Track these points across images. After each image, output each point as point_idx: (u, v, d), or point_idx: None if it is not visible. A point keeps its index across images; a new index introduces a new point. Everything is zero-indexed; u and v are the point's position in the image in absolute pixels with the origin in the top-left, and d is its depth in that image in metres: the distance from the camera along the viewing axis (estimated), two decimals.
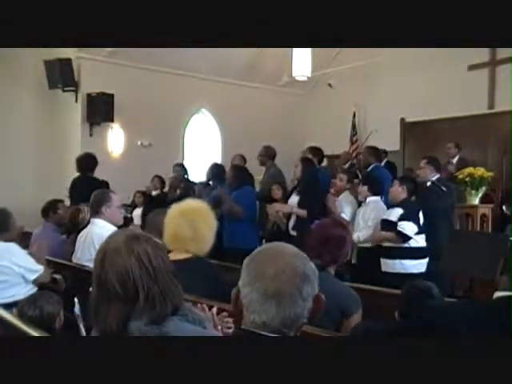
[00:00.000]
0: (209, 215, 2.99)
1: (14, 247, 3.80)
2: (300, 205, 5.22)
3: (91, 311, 1.59)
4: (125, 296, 1.52)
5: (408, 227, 4.45)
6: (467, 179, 5.63)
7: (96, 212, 4.01)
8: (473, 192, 5.65)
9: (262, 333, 1.35)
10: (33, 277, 3.75)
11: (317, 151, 6.27)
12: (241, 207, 5.36)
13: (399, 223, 4.47)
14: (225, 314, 2.23)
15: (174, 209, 3.03)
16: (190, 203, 3.11)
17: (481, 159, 7.50)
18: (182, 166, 7.40)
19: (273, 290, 1.35)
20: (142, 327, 1.51)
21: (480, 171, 5.68)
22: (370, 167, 6.22)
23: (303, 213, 5.13)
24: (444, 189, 5.00)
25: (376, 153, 6.41)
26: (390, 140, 8.84)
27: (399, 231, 4.45)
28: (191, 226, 2.84)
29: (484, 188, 5.73)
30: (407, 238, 4.46)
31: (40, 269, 3.80)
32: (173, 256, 2.64)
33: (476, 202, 5.67)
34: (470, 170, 5.71)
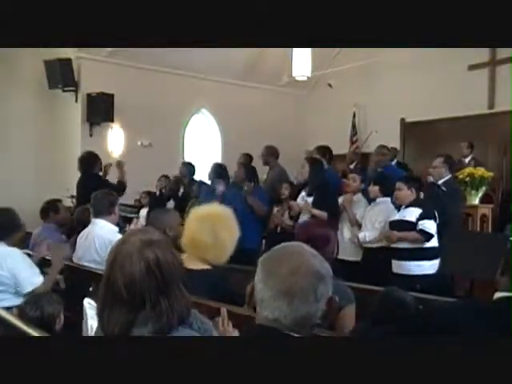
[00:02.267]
0: (231, 221, 2.86)
1: (14, 253, 3.54)
2: (316, 206, 5.09)
3: (97, 312, 1.58)
4: (130, 302, 1.49)
5: (430, 225, 4.35)
6: (467, 179, 5.62)
7: (108, 212, 4.01)
8: (473, 192, 5.64)
9: (284, 332, 1.35)
10: (28, 289, 3.42)
11: (325, 150, 6.11)
12: (246, 208, 5.32)
13: (421, 222, 4.35)
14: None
15: (195, 212, 2.91)
16: (212, 208, 2.99)
17: (481, 159, 7.49)
18: (189, 164, 7.39)
19: (286, 288, 1.34)
20: (146, 335, 1.49)
21: (480, 171, 5.67)
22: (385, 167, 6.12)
23: (323, 214, 4.99)
24: (444, 189, 4.98)
25: (391, 152, 6.31)
26: (390, 140, 8.81)
27: (422, 230, 4.34)
28: (212, 233, 2.72)
29: (484, 188, 5.72)
30: (431, 237, 4.35)
31: (38, 282, 3.48)
32: (189, 263, 2.55)
33: (476, 202, 5.67)
34: (470, 169, 5.71)
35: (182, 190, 6.97)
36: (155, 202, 7.06)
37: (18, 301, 3.36)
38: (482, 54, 8.10)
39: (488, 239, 4.40)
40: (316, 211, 5.07)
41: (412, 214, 4.45)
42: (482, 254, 3.70)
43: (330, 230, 2.95)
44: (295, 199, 5.45)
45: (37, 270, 3.58)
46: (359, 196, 5.27)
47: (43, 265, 3.85)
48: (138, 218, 6.95)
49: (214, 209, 2.97)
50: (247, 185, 5.47)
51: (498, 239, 4.13)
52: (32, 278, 3.49)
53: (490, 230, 5.66)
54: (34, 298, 2.94)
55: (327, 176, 5.56)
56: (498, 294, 1.69)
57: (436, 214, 4.46)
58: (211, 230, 2.73)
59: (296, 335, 1.35)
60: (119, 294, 1.50)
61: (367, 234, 4.90)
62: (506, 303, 1.62)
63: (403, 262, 4.44)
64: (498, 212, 6.51)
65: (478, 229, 5.52)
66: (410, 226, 4.42)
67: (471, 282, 4.36)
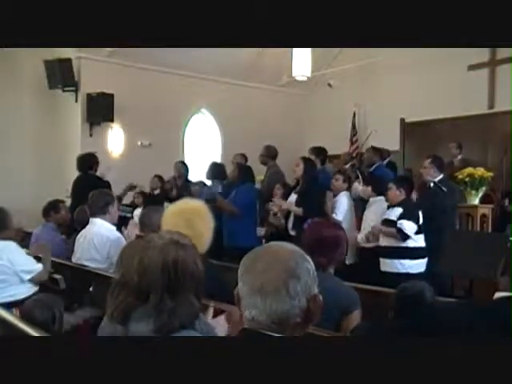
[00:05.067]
0: (206, 213, 2.93)
1: (11, 245, 3.69)
2: (297, 203, 5.23)
3: (109, 291, 1.62)
4: (138, 291, 1.54)
5: (407, 226, 4.49)
6: (467, 179, 5.63)
7: (103, 212, 4.01)
8: (473, 192, 5.65)
9: (265, 332, 1.35)
10: (28, 277, 3.62)
11: (320, 151, 6.27)
12: (235, 206, 5.35)
13: (399, 222, 4.51)
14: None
15: (170, 208, 2.99)
16: (185, 202, 3.07)
17: (481, 159, 7.50)
18: (183, 163, 7.40)
19: (258, 285, 1.35)
20: (148, 334, 1.51)
21: (480, 171, 5.68)
22: (374, 166, 6.31)
23: (299, 211, 5.14)
24: (444, 189, 5.00)
25: (379, 152, 6.54)
26: (390, 140, 8.84)
27: (399, 229, 4.49)
28: (188, 225, 2.75)
29: (484, 188, 5.73)
30: (406, 237, 4.49)
31: (37, 269, 3.68)
32: None
33: (476, 202, 5.67)
34: (469, 170, 5.71)
35: (175, 191, 6.97)
36: (149, 202, 7.05)
37: (22, 288, 3.49)
38: (482, 54, 8.10)
39: (488, 239, 4.40)
40: (293, 208, 5.20)
41: (394, 213, 4.60)
42: (482, 253, 3.70)
43: (340, 231, 2.86)
44: (287, 198, 5.52)
45: (34, 260, 3.74)
46: (343, 193, 5.43)
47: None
48: (132, 217, 6.98)
49: (188, 203, 3.04)
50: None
51: (498, 239, 4.13)
52: (31, 266, 3.67)
53: (490, 229, 5.66)
54: (29, 303, 2.84)
55: (320, 176, 5.61)
56: (498, 294, 1.69)
57: (419, 214, 4.54)
58: (187, 223, 2.77)
59: (276, 335, 1.35)
60: (131, 280, 1.55)
61: (363, 235, 5.02)
62: (506, 303, 1.62)
63: (388, 260, 4.60)
64: (498, 212, 6.51)
65: (478, 229, 5.53)
66: (392, 224, 4.58)
67: (471, 282, 4.37)
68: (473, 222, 5.57)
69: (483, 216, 5.65)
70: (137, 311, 1.54)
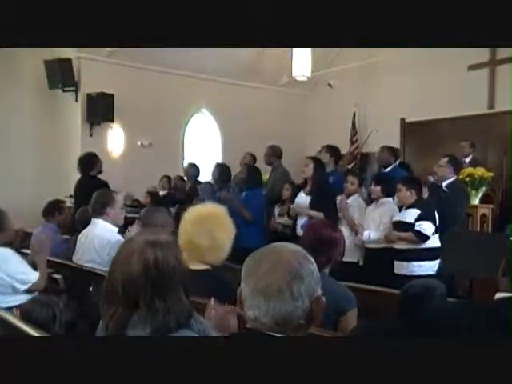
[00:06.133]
0: (227, 221, 2.83)
1: (7, 253, 3.53)
2: (314, 206, 5.12)
3: (100, 307, 1.60)
4: (125, 300, 1.51)
5: (427, 226, 4.39)
6: (467, 179, 5.63)
7: (100, 213, 3.98)
8: (473, 192, 5.65)
9: (268, 333, 1.35)
10: (24, 287, 3.46)
11: (334, 150, 6.12)
12: (249, 211, 5.33)
13: (418, 223, 4.39)
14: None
15: (190, 214, 2.85)
16: (207, 208, 2.94)
17: (481, 159, 7.49)
18: (193, 165, 7.40)
19: (262, 286, 1.35)
20: (145, 336, 1.50)
21: (480, 171, 5.69)
22: (390, 167, 6.15)
23: (319, 215, 5.01)
24: (446, 190, 4.98)
25: (394, 152, 6.37)
26: (390, 140, 8.78)
27: (418, 231, 4.38)
28: (209, 235, 2.69)
29: (484, 188, 5.73)
30: (426, 238, 4.39)
31: (33, 279, 3.51)
32: (188, 263, 2.48)
33: (476, 202, 5.67)
34: (470, 169, 5.72)
35: (187, 189, 6.98)
36: (158, 202, 7.04)
37: (17, 299, 3.39)
38: (482, 54, 8.09)
39: (488, 239, 4.40)
40: (312, 212, 5.10)
41: (411, 215, 4.48)
42: (482, 253, 3.70)
43: (337, 232, 2.86)
44: (294, 197, 5.47)
45: (30, 268, 3.59)
46: (355, 197, 5.28)
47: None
48: (138, 218, 6.94)
49: (208, 209, 2.92)
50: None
51: (498, 239, 4.13)
52: (27, 276, 3.51)
53: (490, 230, 5.66)
54: (29, 303, 2.82)
55: (333, 177, 5.56)
56: (499, 295, 1.69)
57: (436, 215, 4.47)
58: (207, 233, 2.70)
59: (278, 335, 1.35)
60: (116, 291, 1.53)
61: (372, 234, 4.88)
62: (506, 303, 1.62)
63: (404, 263, 4.46)
64: (498, 212, 6.50)
65: (478, 229, 5.53)
66: (409, 226, 4.45)
67: (471, 282, 4.37)
68: (473, 222, 5.57)
69: (483, 216, 5.65)
70: (131, 319, 1.52)
